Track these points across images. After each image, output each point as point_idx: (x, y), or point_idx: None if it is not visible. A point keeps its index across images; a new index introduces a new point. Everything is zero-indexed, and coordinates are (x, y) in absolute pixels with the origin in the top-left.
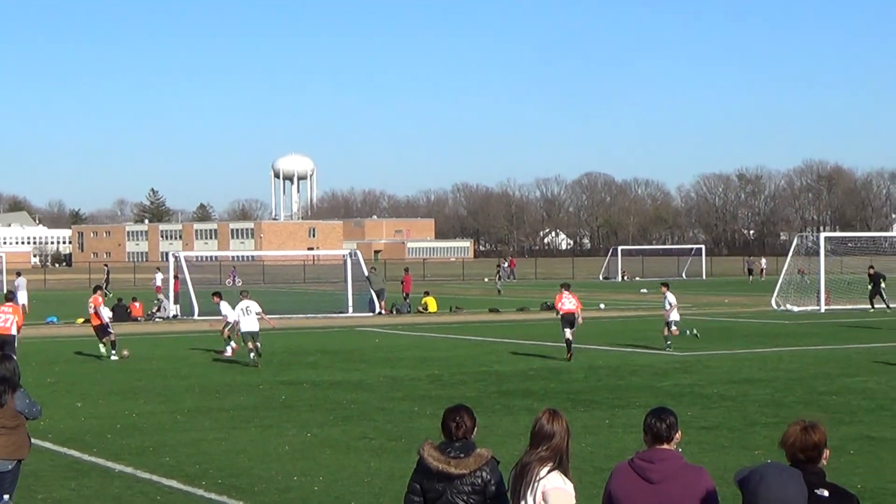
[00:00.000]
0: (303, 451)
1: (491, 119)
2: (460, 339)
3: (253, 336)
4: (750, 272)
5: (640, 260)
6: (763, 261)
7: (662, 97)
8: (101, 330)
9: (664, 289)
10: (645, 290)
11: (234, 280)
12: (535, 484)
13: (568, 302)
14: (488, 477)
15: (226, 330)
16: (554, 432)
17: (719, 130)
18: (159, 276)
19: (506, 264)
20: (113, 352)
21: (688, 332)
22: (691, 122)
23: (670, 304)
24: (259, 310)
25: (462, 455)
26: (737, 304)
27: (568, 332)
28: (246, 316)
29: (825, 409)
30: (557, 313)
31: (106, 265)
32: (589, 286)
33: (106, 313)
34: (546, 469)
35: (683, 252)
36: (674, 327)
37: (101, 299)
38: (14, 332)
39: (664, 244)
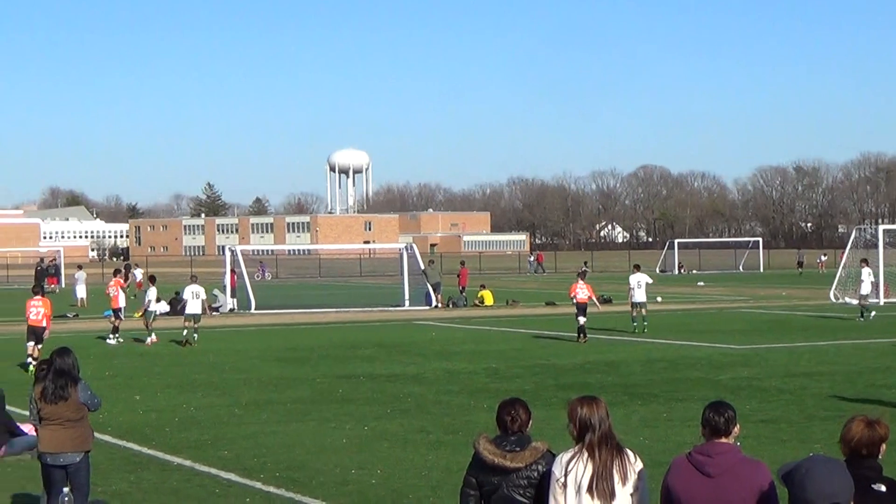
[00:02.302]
0: (360, 445)
1: (547, 112)
2: (516, 333)
3: (195, 318)
4: (800, 265)
5: (697, 253)
6: (823, 255)
7: (719, 89)
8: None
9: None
10: (702, 283)
11: (262, 274)
12: (630, 468)
13: (581, 291)
14: (544, 470)
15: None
16: (606, 414)
17: (776, 123)
18: (139, 272)
19: (532, 258)
20: (111, 336)
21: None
22: (748, 115)
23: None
24: (204, 296)
25: (517, 448)
26: (795, 297)
27: (581, 320)
28: (194, 300)
29: (885, 403)
30: (572, 301)
31: (125, 260)
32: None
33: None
34: (632, 454)
35: (740, 245)
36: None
37: (123, 283)
38: (44, 324)
39: (721, 237)
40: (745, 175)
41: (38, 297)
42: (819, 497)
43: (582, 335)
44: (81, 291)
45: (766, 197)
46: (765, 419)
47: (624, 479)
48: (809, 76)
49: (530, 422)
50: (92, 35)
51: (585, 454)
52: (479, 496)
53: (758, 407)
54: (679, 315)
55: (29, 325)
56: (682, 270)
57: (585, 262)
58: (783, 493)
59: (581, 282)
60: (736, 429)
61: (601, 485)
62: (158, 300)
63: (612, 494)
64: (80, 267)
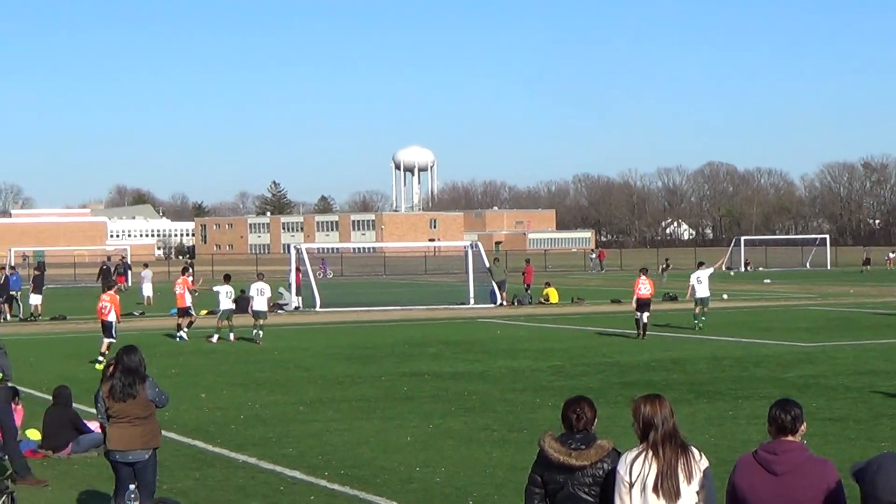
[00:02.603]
0: (425, 443)
1: (611, 109)
2: (582, 330)
3: (261, 316)
4: (867, 262)
5: (764, 250)
6: (891, 252)
7: (786, 85)
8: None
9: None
10: (769, 281)
11: (324, 272)
12: (696, 467)
13: (644, 287)
14: (609, 468)
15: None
16: (669, 413)
17: (844, 118)
18: (148, 274)
19: (594, 256)
20: (184, 332)
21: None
22: (815, 111)
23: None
24: (269, 294)
25: (583, 447)
26: (862, 294)
27: (644, 316)
28: (259, 297)
29: None
30: (633, 297)
31: (190, 260)
32: (712, 276)
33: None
34: (697, 452)
35: (807, 242)
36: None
37: (190, 281)
38: (111, 318)
39: (788, 234)
40: (813, 171)
41: (108, 292)
42: (890, 493)
43: (640, 331)
44: (148, 290)
45: (833, 193)
46: (832, 417)
47: (689, 478)
48: (877, 71)
49: (596, 420)
50: (158, 34)
51: (650, 453)
52: (543, 494)
53: (825, 405)
54: (745, 312)
55: (100, 319)
56: (749, 268)
57: (667, 259)
58: (852, 491)
59: (643, 277)
60: (803, 427)
61: (665, 484)
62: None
63: (678, 493)
64: (146, 265)
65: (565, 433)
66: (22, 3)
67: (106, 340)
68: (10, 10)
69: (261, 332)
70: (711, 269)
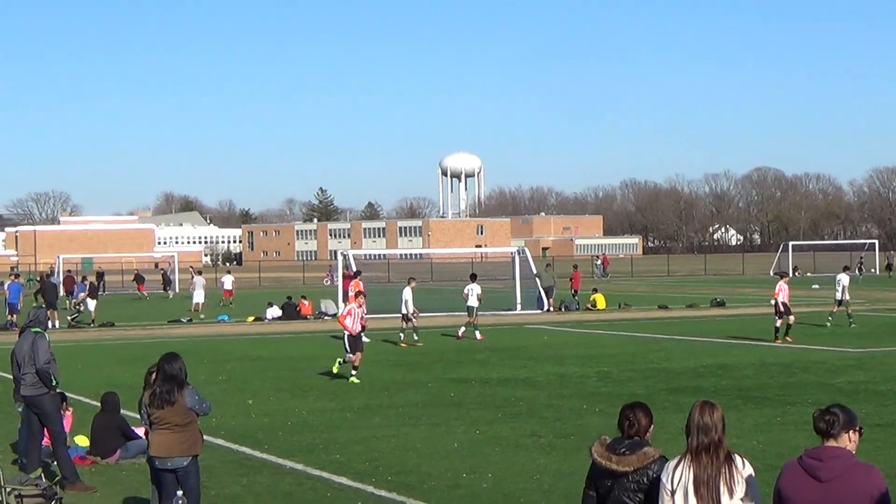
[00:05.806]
0: (472, 449)
1: (658, 114)
2: (629, 336)
3: (470, 312)
4: (889, 267)
5: (812, 255)
6: None
7: (834, 90)
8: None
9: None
10: (817, 286)
11: (332, 279)
12: (738, 476)
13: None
14: (655, 475)
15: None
16: (713, 422)
17: (892, 122)
18: (228, 279)
19: (598, 262)
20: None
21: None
22: (863, 115)
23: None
24: (479, 292)
25: (627, 452)
26: None
27: (783, 319)
28: (472, 296)
29: None
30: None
31: (238, 265)
32: (760, 282)
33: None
34: (739, 459)
35: (856, 247)
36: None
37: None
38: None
39: (836, 239)
40: (861, 176)
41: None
42: None
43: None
44: (199, 296)
45: (882, 198)
46: (881, 423)
47: (731, 489)
48: None
49: (651, 427)
50: (205, 43)
51: (689, 458)
52: (596, 498)
53: (874, 411)
54: None
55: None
56: (797, 273)
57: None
58: None
59: (781, 282)
60: (851, 434)
61: (702, 490)
62: (271, 304)
63: (717, 502)
64: (199, 272)
65: (616, 438)
66: (68, 13)
67: (353, 355)
68: (59, 19)
69: (476, 331)
70: (845, 279)
